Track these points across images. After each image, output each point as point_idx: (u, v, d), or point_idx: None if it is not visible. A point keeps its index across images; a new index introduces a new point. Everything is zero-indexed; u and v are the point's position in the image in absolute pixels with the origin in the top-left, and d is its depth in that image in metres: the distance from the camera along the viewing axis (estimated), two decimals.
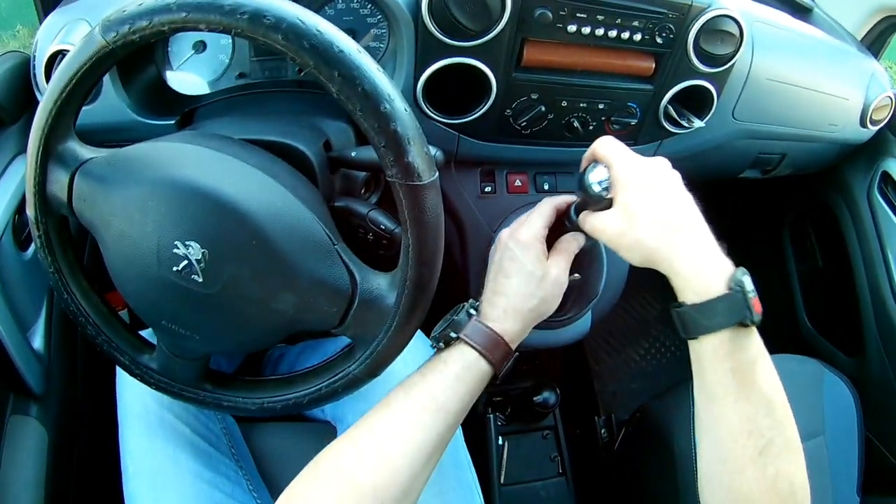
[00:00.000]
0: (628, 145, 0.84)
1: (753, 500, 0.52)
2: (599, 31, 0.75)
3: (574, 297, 0.87)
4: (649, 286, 1.57)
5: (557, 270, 0.65)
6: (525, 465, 1.20)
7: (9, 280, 0.80)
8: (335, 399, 0.60)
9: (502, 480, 1.16)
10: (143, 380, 0.65)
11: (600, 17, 0.74)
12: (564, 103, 0.81)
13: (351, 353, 0.58)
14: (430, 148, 0.57)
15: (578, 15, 0.73)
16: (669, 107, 0.83)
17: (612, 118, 0.84)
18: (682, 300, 0.53)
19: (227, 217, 0.52)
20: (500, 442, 1.19)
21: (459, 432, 0.83)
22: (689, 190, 0.58)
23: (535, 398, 1.18)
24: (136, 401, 0.77)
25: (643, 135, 0.87)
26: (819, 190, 1.24)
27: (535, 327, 0.78)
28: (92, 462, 0.95)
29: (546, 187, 0.91)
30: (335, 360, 0.60)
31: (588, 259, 0.80)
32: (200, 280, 0.53)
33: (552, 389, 1.20)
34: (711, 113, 0.85)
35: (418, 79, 0.75)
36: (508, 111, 0.80)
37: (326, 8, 0.79)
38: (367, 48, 0.76)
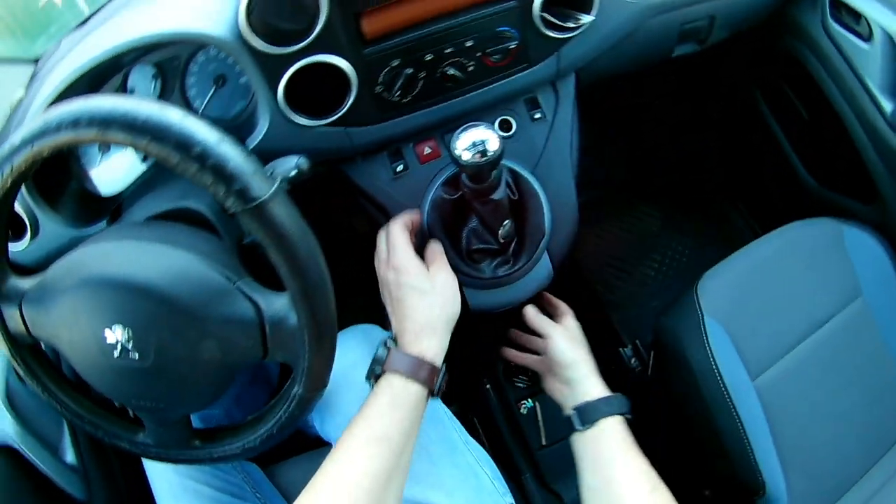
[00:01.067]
0: (523, 69, 0.81)
1: None
2: None
3: (515, 248, 0.83)
4: (643, 197, 1.49)
5: (442, 274, 0.71)
6: (562, 420, 1.16)
7: (26, 412, 0.83)
8: (298, 421, 0.63)
9: (543, 442, 1.12)
10: (145, 455, 0.69)
11: None
12: (429, 57, 0.75)
13: (292, 377, 0.60)
14: (292, 157, 0.62)
15: None
16: (545, 15, 0.75)
17: (488, 50, 0.77)
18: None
19: (134, 294, 0.56)
20: (531, 404, 1.15)
21: (448, 419, 0.83)
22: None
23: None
24: (160, 478, 0.84)
25: (533, 53, 0.80)
26: (774, 43, 1.12)
27: (492, 288, 0.81)
28: None
29: None
30: (284, 390, 0.62)
31: (501, 212, 0.75)
32: (137, 357, 0.57)
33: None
34: (597, 3, 0.77)
35: (277, 97, 0.71)
36: (378, 87, 0.75)
37: (192, 64, 0.77)
38: (241, 85, 0.78)
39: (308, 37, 0.67)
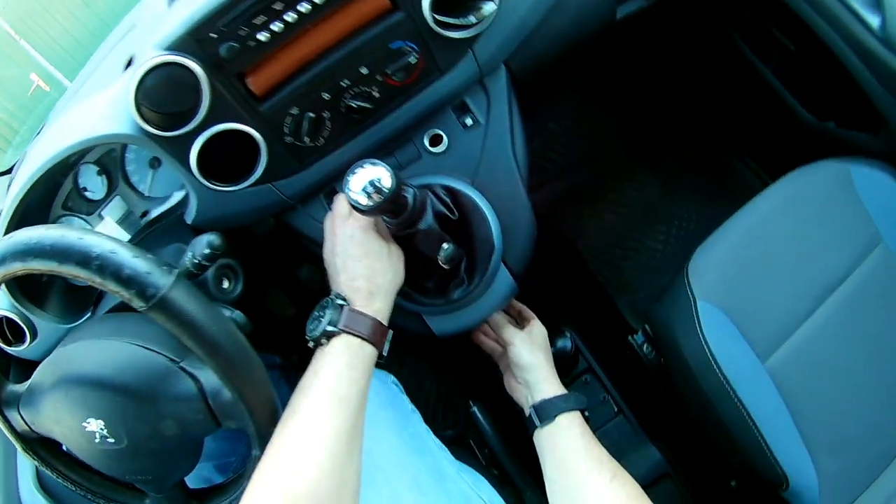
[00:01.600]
0: (436, 77, 0.75)
1: None
2: (292, 16, 0.65)
3: (467, 266, 0.78)
4: (639, 164, 1.38)
5: (394, 244, 0.71)
6: None
7: (56, 490, 0.85)
8: None
9: None
10: None
11: (280, 5, 0.63)
12: (327, 95, 0.71)
13: (248, 441, 0.64)
14: (205, 235, 0.64)
15: (258, 19, 0.64)
16: (439, 17, 0.68)
17: (388, 71, 0.71)
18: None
19: (96, 389, 0.62)
20: None
21: (437, 448, 0.83)
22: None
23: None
24: None
25: (441, 60, 0.74)
26: None
27: (455, 311, 0.80)
28: None
29: None
30: (249, 455, 0.66)
31: (433, 238, 0.71)
32: (114, 441, 0.63)
33: (562, 335, 1.08)
34: None
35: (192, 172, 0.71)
36: (287, 139, 0.72)
37: (127, 153, 0.81)
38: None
39: (198, 110, 0.67)
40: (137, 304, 0.53)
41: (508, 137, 0.79)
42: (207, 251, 0.66)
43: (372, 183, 0.60)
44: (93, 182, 0.83)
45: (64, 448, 0.79)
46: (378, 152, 0.79)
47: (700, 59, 1.27)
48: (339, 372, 0.62)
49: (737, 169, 1.34)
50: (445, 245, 0.71)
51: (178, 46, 0.64)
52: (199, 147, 0.69)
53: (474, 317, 0.81)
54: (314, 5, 0.64)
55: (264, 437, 0.61)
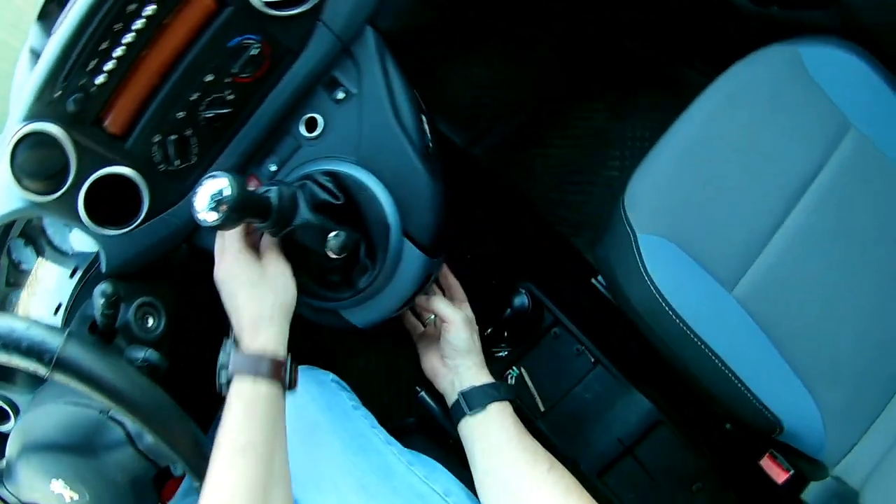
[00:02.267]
0: (291, 60, 0.70)
1: None
2: (121, 48, 0.64)
3: (366, 251, 0.74)
4: (576, 96, 1.26)
5: (272, 264, 0.68)
6: (556, 378, 1.04)
7: None
8: None
9: (542, 408, 1.03)
10: None
11: (105, 44, 0.63)
12: (182, 114, 0.69)
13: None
14: (97, 288, 0.67)
15: (90, 65, 0.64)
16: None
17: (234, 71, 0.68)
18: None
19: (49, 453, 0.66)
20: (517, 372, 1.06)
21: (384, 444, 0.80)
22: None
23: (505, 316, 1.02)
24: None
25: (290, 41, 0.69)
26: None
27: (370, 300, 0.76)
28: None
29: (271, 167, 0.77)
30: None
31: (314, 231, 0.67)
32: (77, 496, 0.67)
33: (517, 293, 1.02)
34: None
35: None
36: (160, 167, 0.71)
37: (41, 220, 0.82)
38: None
39: (70, 169, 0.67)
40: (41, 370, 0.55)
41: (388, 103, 0.73)
42: (103, 300, 0.68)
43: (213, 196, 0.56)
44: (23, 254, 0.86)
45: None
46: (258, 153, 0.76)
47: None
48: (238, 421, 0.60)
49: (688, 75, 1.22)
50: (333, 234, 0.67)
51: (33, 115, 0.65)
52: (83, 199, 0.69)
53: (392, 301, 0.77)
54: (138, 35, 0.64)
55: (196, 470, 0.62)
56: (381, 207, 0.71)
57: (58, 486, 0.67)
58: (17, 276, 0.85)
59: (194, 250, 0.81)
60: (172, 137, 0.70)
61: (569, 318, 1.02)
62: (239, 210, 0.58)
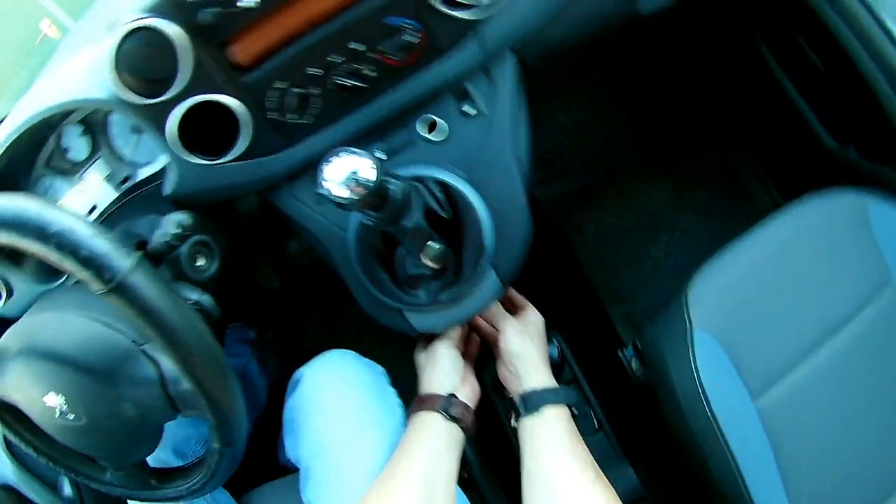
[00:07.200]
0: (435, 59, 0.69)
1: None
2: None
3: (454, 267, 0.74)
4: (645, 172, 1.32)
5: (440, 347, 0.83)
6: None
7: (24, 455, 0.87)
8: (228, 472, 0.66)
9: None
10: (114, 493, 0.73)
11: None
12: (316, 71, 0.66)
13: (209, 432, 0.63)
14: (174, 215, 0.66)
15: None
16: None
17: (383, 49, 0.66)
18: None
19: (57, 365, 0.61)
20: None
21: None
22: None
23: None
24: None
25: (441, 40, 0.68)
26: None
27: (435, 310, 0.77)
28: None
29: (377, 153, 0.75)
30: (210, 444, 0.64)
31: (421, 236, 0.67)
32: (73, 417, 0.63)
33: (550, 342, 1.03)
34: None
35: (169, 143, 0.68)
36: (270, 114, 0.68)
37: (110, 116, 0.78)
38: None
39: (176, 81, 0.64)
40: (95, 286, 0.50)
41: (511, 133, 0.74)
42: (178, 231, 0.67)
43: (352, 174, 0.53)
44: (76, 143, 0.81)
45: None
46: (370, 135, 0.74)
47: (722, 64, 1.20)
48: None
49: (749, 184, 1.28)
50: (430, 244, 0.66)
51: (157, 9, 0.60)
52: (179, 118, 0.66)
53: (458, 315, 0.77)
54: None
55: (223, 430, 0.60)
56: (482, 232, 0.71)
57: (55, 400, 0.63)
58: (59, 161, 0.81)
59: (265, 205, 0.80)
60: (296, 90, 0.67)
61: (587, 380, 1.04)
62: (373, 196, 0.56)
